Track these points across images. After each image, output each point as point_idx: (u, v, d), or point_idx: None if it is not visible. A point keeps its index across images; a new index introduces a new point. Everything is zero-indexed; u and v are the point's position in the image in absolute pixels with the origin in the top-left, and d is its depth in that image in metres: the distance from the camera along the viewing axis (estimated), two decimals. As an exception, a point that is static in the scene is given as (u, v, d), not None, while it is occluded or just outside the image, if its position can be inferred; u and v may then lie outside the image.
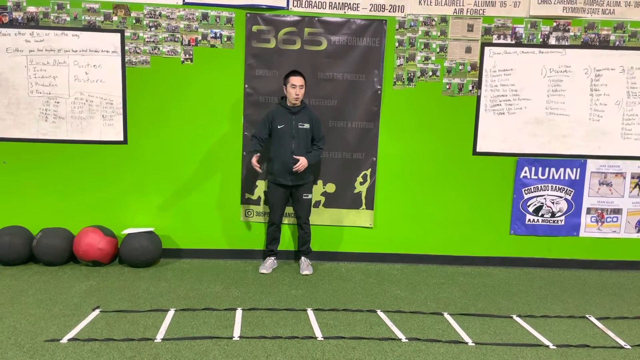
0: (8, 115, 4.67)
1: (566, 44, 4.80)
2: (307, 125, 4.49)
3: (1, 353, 3.03)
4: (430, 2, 4.73)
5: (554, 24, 4.78)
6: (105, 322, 3.50)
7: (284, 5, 4.67)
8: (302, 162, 4.43)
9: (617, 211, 5.03)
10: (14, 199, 4.76)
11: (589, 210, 5.02)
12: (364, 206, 4.95)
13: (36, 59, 4.62)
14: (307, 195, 4.61)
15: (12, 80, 4.63)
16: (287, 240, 4.98)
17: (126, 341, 3.22)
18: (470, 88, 4.83)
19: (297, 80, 4.38)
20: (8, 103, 4.66)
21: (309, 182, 4.62)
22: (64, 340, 3.21)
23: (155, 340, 3.24)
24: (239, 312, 3.71)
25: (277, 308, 3.83)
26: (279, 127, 4.46)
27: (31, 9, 4.57)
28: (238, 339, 3.30)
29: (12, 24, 4.58)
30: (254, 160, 4.47)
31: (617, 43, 4.81)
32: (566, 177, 4.97)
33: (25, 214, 4.76)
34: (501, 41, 4.79)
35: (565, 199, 5.00)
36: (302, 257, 4.76)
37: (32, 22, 4.59)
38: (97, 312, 3.65)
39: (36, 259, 4.59)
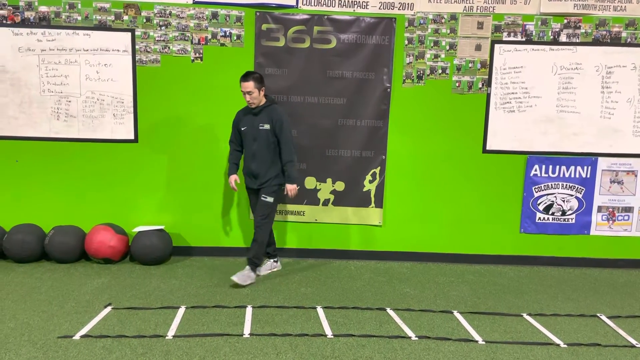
0: (20, 114, 4.72)
1: (577, 41, 4.77)
2: (267, 126, 4.24)
3: (15, 349, 3.07)
4: (440, 0, 4.72)
5: (565, 21, 4.75)
6: (117, 319, 3.53)
7: (294, 3, 4.67)
8: (290, 190, 4.30)
9: (629, 209, 4.99)
10: (26, 197, 4.81)
11: (600, 209, 4.99)
12: (373, 204, 4.95)
13: (48, 58, 4.66)
14: (265, 198, 4.27)
15: (24, 79, 4.68)
16: (296, 238, 4.99)
17: (138, 338, 3.25)
18: (480, 86, 4.82)
19: (243, 86, 4.15)
20: (20, 102, 4.71)
21: (272, 185, 4.29)
22: (77, 336, 3.25)
23: (167, 337, 3.27)
24: (249, 310, 3.73)
25: (287, 306, 3.84)
26: (242, 128, 4.32)
27: (43, 8, 4.61)
28: (248, 336, 3.32)
29: (24, 23, 4.62)
30: (231, 182, 4.40)
31: (629, 40, 4.78)
32: (577, 175, 4.94)
33: (37, 212, 4.81)
34: (511, 39, 4.77)
35: (576, 197, 4.97)
36: (247, 264, 4.36)
37: (43, 22, 4.63)
38: (109, 309, 3.68)
39: (48, 256, 4.64)
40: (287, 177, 4.30)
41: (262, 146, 4.27)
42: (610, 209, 4.99)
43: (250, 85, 4.13)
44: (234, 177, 4.40)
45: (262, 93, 4.23)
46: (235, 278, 4.17)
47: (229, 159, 4.48)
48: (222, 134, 4.80)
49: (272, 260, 4.64)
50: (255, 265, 4.34)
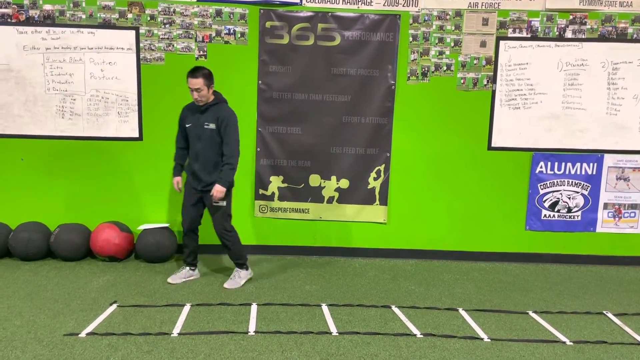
0: (25, 113, 4.73)
1: (583, 37, 4.74)
2: (212, 125, 3.97)
3: (21, 347, 3.09)
4: (445, -4, 4.71)
5: (571, 17, 4.72)
6: (122, 316, 3.54)
7: (297, 1, 4.66)
8: (217, 192, 3.94)
9: (635, 206, 4.96)
10: (31, 195, 4.83)
11: (605, 206, 4.96)
12: (377, 202, 4.94)
13: (52, 57, 4.67)
14: (217, 203, 4.02)
15: (29, 77, 4.69)
16: (300, 236, 4.98)
17: (143, 335, 3.25)
18: (485, 82, 4.80)
19: (191, 83, 3.88)
20: (25, 100, 4.72)
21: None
22: (83, 334, 3.26)
23: (172, 335, 3.27)
24: (254, 307, 3.74)
25: (292, 303, 3.84)
26: (187, 125, 4.09)
27: (47, 7, 4.61)
28: (253, 333, 3.32)
29: (29, 22, 4.63)
30: (175, 183, 4.23)
31: (635, 36, 4.74)
32: (583, 172, 4.91)
33: (42, 210, 4.83)
34: (517, 35, 4.74)
35: (582, 194, 4.94)
36: (235, 268, 4.28)
37: (48, 20, 4.64)
38: (114, 306, 3.69)
39: (54, 254, 4.65)
40: (220, 178, 3.95)
41: (206, 146, 4.01)
42: (617, 206, 4.96)
43: (199, 82, 3.87)
44: (177, 179, 4.21)
45: (210, 90, 3.98)
46: (226, 285, 4.11)
47: (174, 157, 4.26)
48: (226, 132, 4.80)
49: (188, 268, 4.30)
50: (242, 265, 4.23)
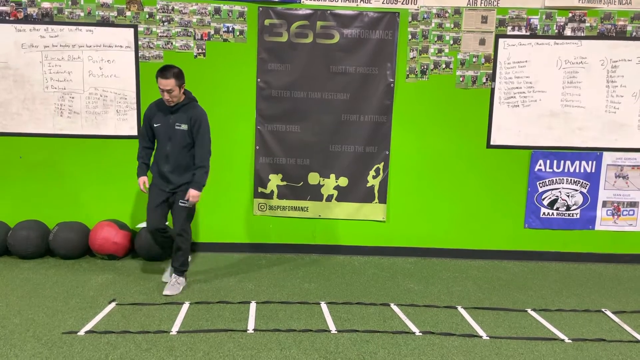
0: (24, 111, 4.72)
1: (582, 35, 4.74)
2: (184, 126, 3.82)
3: (20, 345, 3.08)
4: (444, -6, 4.70)
5: (570, 14, 4.72)
6: (121, 314, 3.53)
7: (296, -2, 4.66)
8: (193, 197, 3.83)
9: (634, 204, 4.97)
10: (30, 193, 4.82)
11: (604, 204, 4.96)
12: (376, 200, 4.94)
13: (51, 55, 4.66)
14: (184, 203, 3.88)
15: (27, 76, 4.68)
16: (299, 234, 4.98)
17: (142, 333, 3.25)
18: (484, 80, 4.79)
19: (163, 84, 3.68)
20: (24, 98, 4.71)
21: (188, 190, 3.89)
22: (82, 332, 3.25)
23: (171, 333, 3.27)
24: (253, 305, 3.74)
25: (291, 301, 3.84)
26: (155, 125, 3.88)
27: (45, 4, 4.60)
28: (252, 331, 3.32)
29: (27, 19, 4.62)
30: (141, 184, 3.96)
31: (634, 34, 4.74)
32: (582, 170, 4.91)
33: (41, 208, 4.82)
34: (516, 33, 4.74)
35: (581, 192, 4.95)
36: (173, 273, 4.02)
37: (46, 18, 4.63)
38: (113, 305, 3.69)
39: (53, 252, 4.65)
40: (194, 182, 3.84)
41: (177, 148, 3.85)
42: (615, 204, 4.96)
43: (170, 82, 3.67)
44: (143, 179, 3.96)
45: (182, 90, 3.80)
46: (167, 292, 3.88)
47: (138, 156, 4.03)
48: (225, 130, 4.79)
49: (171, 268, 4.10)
50: (183, 272, 4.05)
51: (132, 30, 4.66)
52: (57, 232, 4.60)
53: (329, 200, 4.93)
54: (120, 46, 4.68)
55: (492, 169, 4.90)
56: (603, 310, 3.87)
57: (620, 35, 4.74)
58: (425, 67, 4.78)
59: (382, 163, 4.89)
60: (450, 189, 4.93)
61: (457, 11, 4.71)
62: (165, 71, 3.69)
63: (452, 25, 4.73)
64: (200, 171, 3.87)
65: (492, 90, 4.80)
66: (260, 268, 4.57)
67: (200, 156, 3.88)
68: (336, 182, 4.93)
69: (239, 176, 4.90)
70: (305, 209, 4.94)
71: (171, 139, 3.86)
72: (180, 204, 3.91)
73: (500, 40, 4.74)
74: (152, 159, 4.06)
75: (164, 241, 4.08)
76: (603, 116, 4.82)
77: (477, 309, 3.80)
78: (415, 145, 4.88)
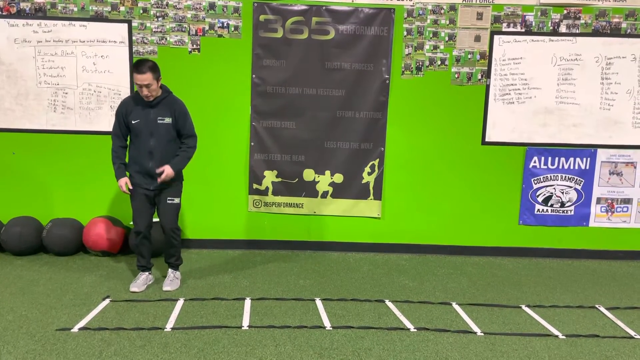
0: (17, 106, 4.69)
1: (577, 32, 4.74)
2: (168, 120, 3.73)
3: (13, 342, 3.07)
4: (439, -10, 4.69)
5: (565, 11, 4.72)
6: (115, 311, 3.52)
7: (292, -6, 4.64)
8: (167, 172, 3.69)
9: (628, 201, 4.99)
10: (23, 189, 4.79)
11: (599, 200, 4.98)
12: (372, 196, 4.93)
13: (44, 50, 4.63)
14: (172, 200, 3.85)
15: (20, 71, 4.64)
16: (294, 231, 4.98)
17: (136, 330, 3.24)
18: (479, 77, 4.79)
19: (140, 79, 3.57)
20: (17, 94, 4.67)
21: (175, 185, 3.87)
22: (75, 329, 3.24)
23: (165, 330, 3.26)
24: (247, 302, 3.73)
25: (286, 298, 3.84)
26: (133, 122, 3.74)
27: (39, -1, 4.57)
28: (247, 328, 3.32)
29: (20, 14, 4.58)
30: (123, 185, 3.78)
31: (629, 31, 4.75)
32: (576, 167, 4.93)
33: (35, 204, 4.80)
34: (511, 29, 4.74)
35: (575, 189, 4.96)
36: (169, 269, 4.06)
37: (39, 13, 4.59)
38: (107, 301, 3.68)
39: (46, 249, 4.63)
40: (173, 163, 3.74)
41: (163, 142, 3.75)
42: (609, 201, 4.98)
43: (147, 77, 3.57)
44: (124, 180, 3.79)
45: (159, 83, 3.71)
46: (168, 288, 3.91)
47: (114, 157, 3.84)
48: (220, 126, 4.77)
49: (145, 273, 4.03)
50: (178, 266, 4.07)
51: (126, 25, 4.63)
52: (51, 229, 4.57)
53: (324, 197, 4.93)
54: (114, 41, 4.65)
55: (487, 166, 4.91)
56: (597, 306, 3.88)
57: (615, 32, 4.75)
58: (420, 63, 4.77)
59: (378, 159, 4.89)
60: (445, 186, 4.93)
61: (453, 7, 4.70)
62: (140, 66, 3.58)
63: (448, 22, 4.73)
64: (184, 155, 3.81)
65: (487, 87, 4.81)
66: (255, 265, 4.56)
67: (190, 144, 3.84)
68: (331, 178, 4.92)
69: (234, 173, 4.88)
70: (301, 205, 4.93)
71: (153, 134, 3.75)
72: (168, 201, 3.86)
73: (496, 37, 4.74)
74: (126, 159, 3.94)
75: (148, 248, 3.99)
76: (597, 113, 4.84)
77: (472, 305, 3.81)
78: (410, 142, 4.88)
